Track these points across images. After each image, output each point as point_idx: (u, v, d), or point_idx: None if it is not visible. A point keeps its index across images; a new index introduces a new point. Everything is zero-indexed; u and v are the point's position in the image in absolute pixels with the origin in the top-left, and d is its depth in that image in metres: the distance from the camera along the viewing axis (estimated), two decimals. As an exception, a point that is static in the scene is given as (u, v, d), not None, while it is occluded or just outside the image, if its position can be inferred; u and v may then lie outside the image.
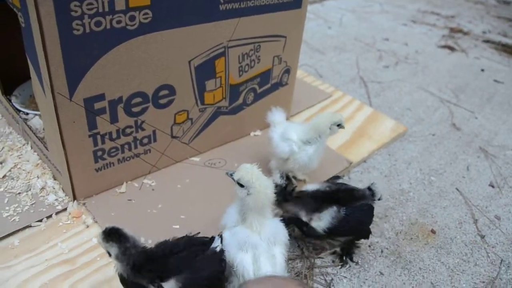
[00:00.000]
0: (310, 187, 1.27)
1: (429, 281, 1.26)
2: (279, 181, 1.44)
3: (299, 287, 0.79)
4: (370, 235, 1.28)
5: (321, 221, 1.20)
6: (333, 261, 1.28)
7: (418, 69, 2.51)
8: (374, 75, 2.39)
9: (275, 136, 1.39)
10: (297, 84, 1.76)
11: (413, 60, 2.63)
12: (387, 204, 1.51)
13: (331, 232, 1.21)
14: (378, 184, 1.26)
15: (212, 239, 1.01)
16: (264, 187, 1.01)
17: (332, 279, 1.23)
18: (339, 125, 1.35)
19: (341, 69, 2.41)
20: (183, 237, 1.02)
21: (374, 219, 1.42)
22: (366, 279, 1.24)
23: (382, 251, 1.34)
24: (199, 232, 1.08)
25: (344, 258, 1.29)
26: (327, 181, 1.33)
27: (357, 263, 1.28)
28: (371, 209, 1.25)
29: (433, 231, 1.42)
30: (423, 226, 1.44)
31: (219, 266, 0.97)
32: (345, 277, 1.24)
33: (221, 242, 1.00)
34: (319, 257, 1.29)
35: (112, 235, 0.92)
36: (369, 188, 1.26)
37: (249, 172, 1.02)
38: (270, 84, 1.63)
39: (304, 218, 1.21)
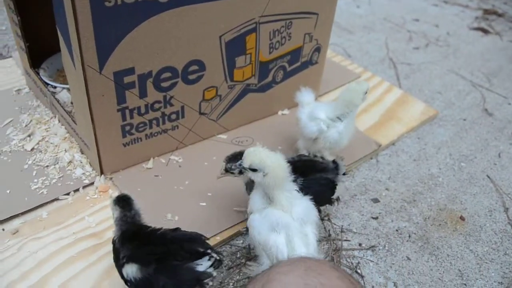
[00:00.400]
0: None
1: (457, 268, 1.23)
2: None
3: (333, 269, 0.78)
4: (379, 216, 1.24)
5: None
6: (359, 244, 1.27)
7: (449, 52, 2.43)
8: (404, 56, 2.32)
9: (303, 116, 1.37)
10: (325, 64, 1.72)
11: (444, 42, 2.55)
12: (416, 188, 1.48)
13: None
14: (343, 162, 1.23)
15: (205, 253, 0.91)
16: (276, 162, 0.99)
17: (358, 262, 1.21)
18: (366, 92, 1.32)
19: (370, 50, 2.35)
20: (179, 231, 0.97)
21: (402, 203, 1.40)
22: (393, 264, 1.23)
23: (409, 236, 1.31)
24: (202, 235, 0.98)
25: None
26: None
27: (384, 247, 1.26)
28: (330, 182, 1.21)
29: (462, 218, 1.39)
30: (452, 212, 1.41)
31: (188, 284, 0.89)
32: (372, 260, 1.23)
33: (212, 265, 0.90)
34: (346, 240, 1.27)
35: (121, 201, 0.98)
36: (334, 162, 1.22)
37: (257, 154, 1.00)
38: (300, 62, 1.59)
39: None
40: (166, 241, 0.93)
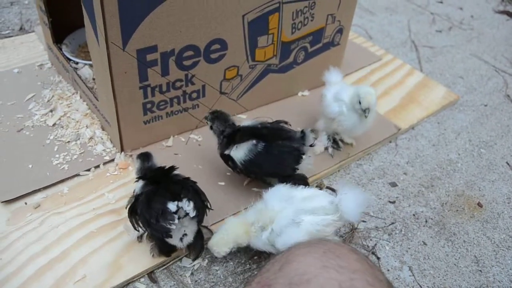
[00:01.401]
0: (244, 123, 1.24)
1: (473, 254, 1.23)
2: (326, 143, 1.42)
3: (351, 252, 0.78)
4: (397, 200, 1.24)
5: (238, 151, 1.18)
6: (376, 228, 1.27)
7: (473, 36, 2.38)
8: (426, 39, 2.28)
9: (328, 94, 1.36)
10: (347, 45, 1.70)
11: (468, 25, 2.49)
12: (434, 173, 1.47)
13: (249, 166, 1.18)
14: (311, 134, 1.20)
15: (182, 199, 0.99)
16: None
17: (374, 245, 1.22)
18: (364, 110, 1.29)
19: (392, 32, 2.31)
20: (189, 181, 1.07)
21: (419, 187, 1.40)
22: (409, 248, 1.23)
23: (426, 221, 1.31)
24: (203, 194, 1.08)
25: None
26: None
27: (400, 231, 1.27)
28: (294, 151, 1.19)
29: (480, 205, 1.38)
30: (469, 198, 1.40)
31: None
32: (388, 244, 1.23)
33: (178, 211, 0.98)
34: (362, 221, 1.28)
35: (143, 156, 1.15)
36: (302, 132, 1.20)
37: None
38: (322, 44, 1.57)
39: (227, 151, 1.20)
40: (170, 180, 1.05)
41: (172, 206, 0.96)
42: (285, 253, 0.80)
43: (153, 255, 1.09)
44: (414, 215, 1.33)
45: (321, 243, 0.81)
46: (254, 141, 1.17)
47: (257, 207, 1.08)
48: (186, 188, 1.01)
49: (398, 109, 1.68)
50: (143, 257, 1.10)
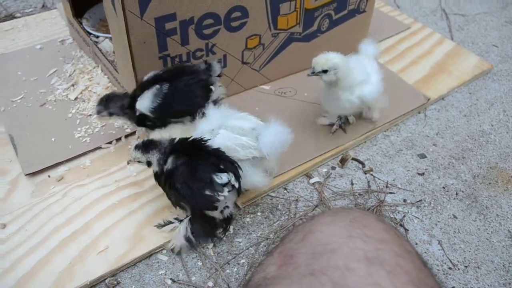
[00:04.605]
0: (147, 75, 1.17)
1: (506, 229, 1.18)
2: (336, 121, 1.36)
3: (378, 222, 0.75)
4: (426, 172, 1.21)
5: (143, 101, 1.11)
6: (404, 200, 1.23)
7: (508, 1, 2.25)
8: (458, 7, 2.17)
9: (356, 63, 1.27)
10: (373, 14, 1.63)
11: (503, -9, 2.37)
12: (465, 145, 1.41)
13: (159, 112, 1.12)
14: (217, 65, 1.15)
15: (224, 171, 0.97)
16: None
17: (403, 217, 1.18)
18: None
19: (421, 0, 2.22)
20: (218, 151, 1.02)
21: (449, 159, 1.34)
22: (438, 221, 1.19)
23: (457, 194, 1.26)
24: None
25: None
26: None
27: (429, 204, 1.22)
28: (201, 81, 1.13)
29: (514, 177, 1.32)
30: (503, 171, 1.34)
31: None
32: (416, 217, 1.19)
33: (227, 184, 0.96)
34: (390, 192, 1.24)
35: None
36: (206, 62, 1.15)
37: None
38: (347, 11, 1.51)
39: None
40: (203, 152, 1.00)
41: (221, 177, 0.94)
42: (308, 222, 0.77)
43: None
44: (444, 187, 1.28)
45: (346, 211, 0.78)
46: (157, 85, 1.11)
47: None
48: (223, 159, 0.98)
49: (427, 79, 1.61)
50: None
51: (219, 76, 1.15)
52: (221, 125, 1.04)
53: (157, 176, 1.02)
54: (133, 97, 1.14)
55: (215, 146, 1.00)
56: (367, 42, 1.34)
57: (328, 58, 1.18)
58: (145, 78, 1.15)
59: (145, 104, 1.11)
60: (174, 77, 1.13)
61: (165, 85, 1.10)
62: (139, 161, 1.03)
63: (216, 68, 1.14)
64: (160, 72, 1.15)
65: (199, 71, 1.14)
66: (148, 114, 1.12)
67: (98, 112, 1.17)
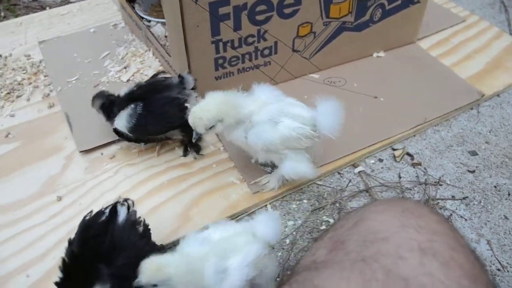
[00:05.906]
0: (123, 90, 1.18)
1: None
2: None
3: (432, 213, 0.73)
4: (477, 170, 1.15)
5: (120, 121, 1.13)
6: (452, 197, 1.20)
7: None
8: (517, 0, 2.09)
9: None
10: (427, 5, 1.59)
11: None
12: (520, 144, 1.36)
13: (136, 131, 1.13)
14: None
15: None
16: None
17: (451, 215, 1.15)
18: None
19: (478, -8, 2.13)
20: None
21: (503, 158, 1.30)
22: (488, 221, 1.15)
23: (509, 194, 1.22)
24: None
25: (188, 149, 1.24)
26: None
27: (479, 203, 1.19)
28: (174, 100, 1.13)
29: None
30: (561, 173, 1.28)
31: None
32: (465, 215, 1.16)
33: None
34: (440, 185, 1.21)
35: None
36: (179, 76, 1.13)
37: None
38: (400, 1, 1.47)
39: (114, 125, 1.15)
40: None
41: None
42: (360, 210, 0.77)
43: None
44: (495, 187, 1.24)
45: (399, 201, 0.77)
46: (132, 105, 1.13)
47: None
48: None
49: (482, 74, 1.55)
50: (211, 211, 1.11)
51: (193, 89, 1.17)
52: (281, 111, 1.01)
53: None
54: (109, 105, 1.19)
55: (275, 135, 0.99)
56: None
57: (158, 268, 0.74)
58: (122, 94, 1.19)
59: (121, 123, 1.15)
60: (147, 93, 1.16)
61: (139, 105, 1.13)
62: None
63: (189, 80, 1.16)
64: (134, 88, 1.18)
65: (172, 85, 1.16)
66: (127, 132, 1.16)
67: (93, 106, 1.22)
